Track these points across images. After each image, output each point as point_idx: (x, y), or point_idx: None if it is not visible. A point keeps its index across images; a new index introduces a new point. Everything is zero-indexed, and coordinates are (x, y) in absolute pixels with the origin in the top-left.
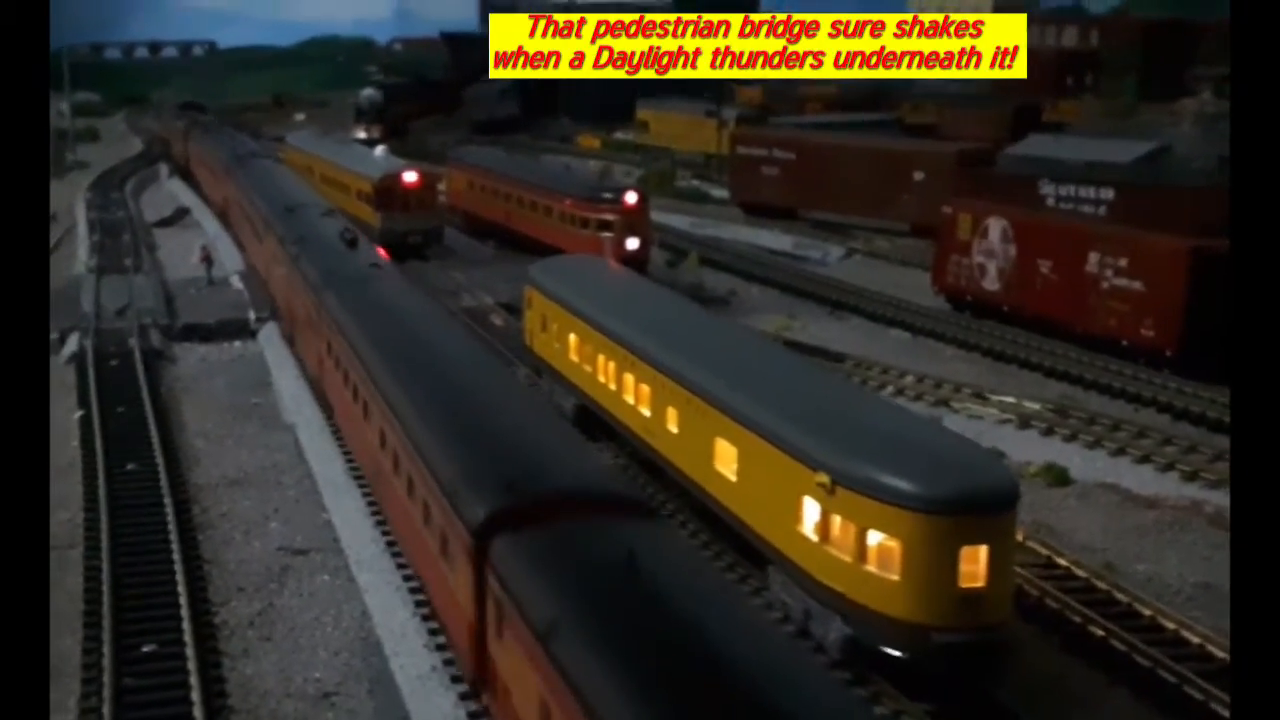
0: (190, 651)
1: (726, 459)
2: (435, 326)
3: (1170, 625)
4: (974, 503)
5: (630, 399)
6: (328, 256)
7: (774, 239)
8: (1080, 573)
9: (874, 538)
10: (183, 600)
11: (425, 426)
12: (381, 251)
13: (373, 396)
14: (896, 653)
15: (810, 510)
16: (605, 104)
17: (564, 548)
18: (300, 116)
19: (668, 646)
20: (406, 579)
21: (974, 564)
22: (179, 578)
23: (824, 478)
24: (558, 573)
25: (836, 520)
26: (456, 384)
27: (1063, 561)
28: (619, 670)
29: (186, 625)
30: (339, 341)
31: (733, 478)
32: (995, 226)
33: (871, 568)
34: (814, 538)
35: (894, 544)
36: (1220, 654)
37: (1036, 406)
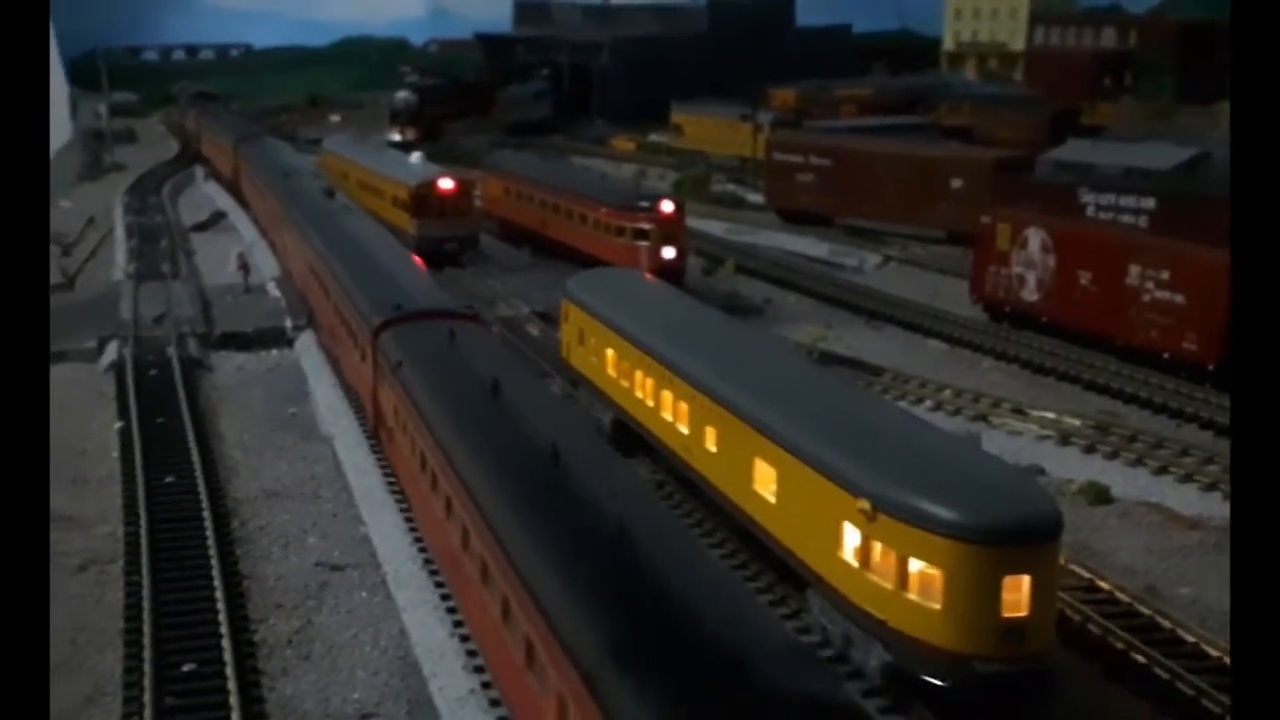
0: (230, 671)
1: (765, 480)
2: (364, 229)
3: (1215, 653)
4: (1017, 532)
5: (668, 416)
6: (310, 201)
7: (810, 246)
8: (1123, 597)
9: (915, 565)
10: (222, 618)
11: (337, 264)
12: (417, 260)
13: (319, 262)
14: (938, 681)
15: (851, 535)
16: (640, 106)
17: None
18: (335, 118)
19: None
20: (444, 597)
21: (1017, 593)
22: (219, 594)
23: (865, 504)
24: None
25: (877, 547)
26: (360, 246)
27: (1105, 585)
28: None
29: (226, 644)
30: (307, 246)
31: (772, 499)
32: (1034, 237)
33: (913, 595)
34: (854, 563)
35: (935, 572)
36: None
37: (1077, 423)
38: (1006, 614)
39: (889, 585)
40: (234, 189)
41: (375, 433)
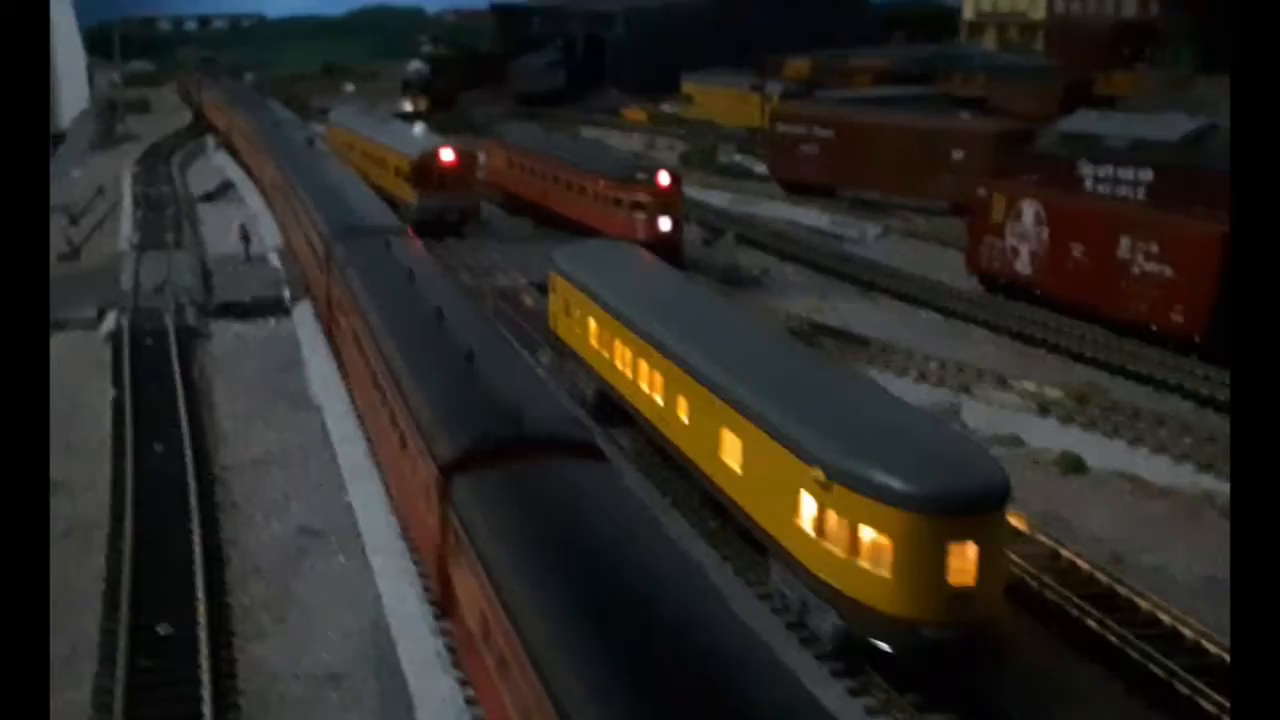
0: (204, 634)
1: (732, 450)
2: (326, 167)
3: (1167, 620)
4: (963, 501)
5: (645, 387)
6: (293, 147)
7: (812, 217)
8: (1083, 565)
9: (866, 534)
10: (199, 582)
11: (300, 186)
12: (412, 233)
13: (290, 187)
14: (887, 646)
15: (808, 504)
16: (653, 76)
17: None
18: (350, 88)
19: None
20: (416, 562)
21: (963, 561)
22: (198, 560)
23: (819, 473)
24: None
25: (831, 515)
26: (325, 178)
27: (1066, 553)
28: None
29: (202, 607)
30: (283, 177)
31: (738, 469)
32: (1029, 209)
33: (864, 563)
34: (811, 532)
35: (885, 540)
36: (1214, 649)
37: (1057, 394)
38: (953, 581)
39: (842, 553)
40: (227, 143)
41: (327, 326)
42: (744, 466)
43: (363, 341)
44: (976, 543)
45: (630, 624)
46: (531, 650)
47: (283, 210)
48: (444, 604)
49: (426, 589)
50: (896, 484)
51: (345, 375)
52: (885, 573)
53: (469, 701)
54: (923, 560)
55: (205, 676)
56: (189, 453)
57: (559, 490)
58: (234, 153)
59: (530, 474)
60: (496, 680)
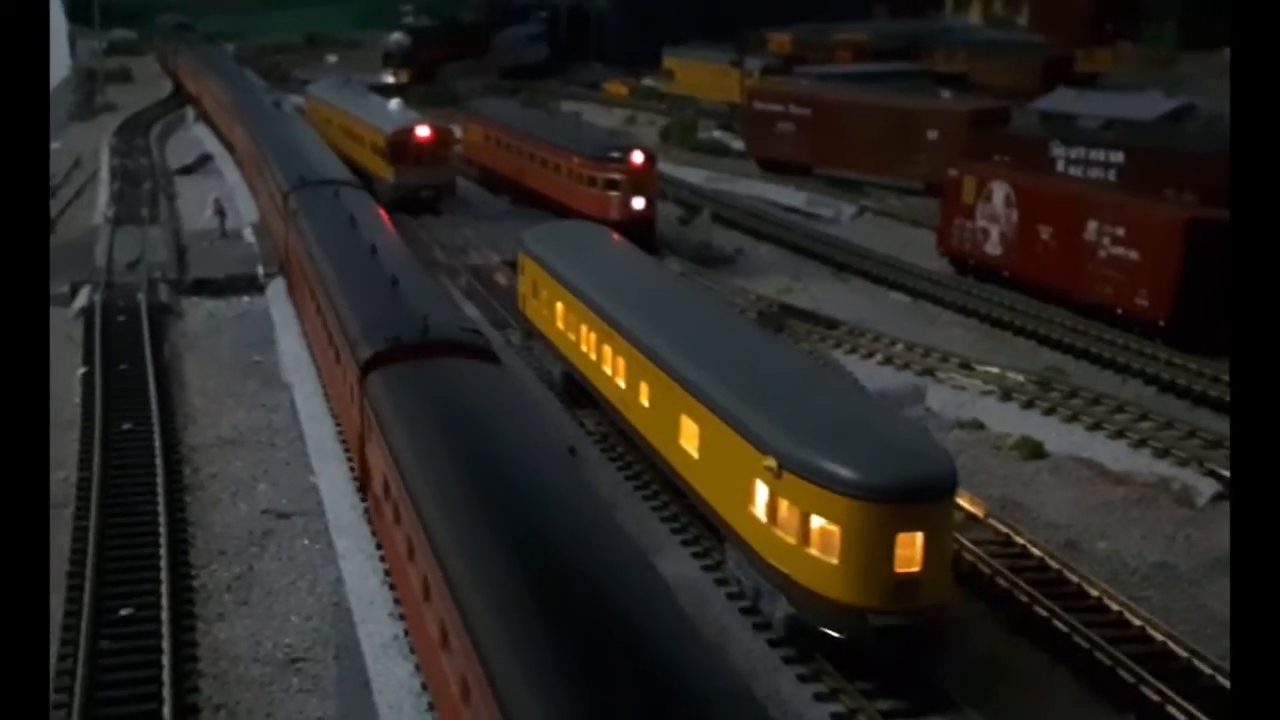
0: (165, 616)
1: (690, 436)
2: (290, 128)
3: (1115, 607)
4: (910, 491)
5: (609, 370)
6: (260, 108)
7: (787, 195)
8: (1035, 551)
9: (816, 522)
10: (164, 564)
11: (269, 154)
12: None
13: (254, 140)
14: (835, 633)
15: (761, 492)
16: (637, 49)
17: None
18: (332, 58)
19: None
20: (378, 546)
21: (910, 549)
22: (163, 541)
23: (772, 462)
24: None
25: (783, 504)
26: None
27: (1019, 540)
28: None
29: (165, 589)
30: (245, 131)
31: (695, 455)
32: (999, 191)
33: (813, 551)
34: (764, 519)
35: (834, 529)
36: (1159, 636)
37: (1020, 378)
38: (900, 569)
39: (793, 540)
40: (200, 109)
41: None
42: (701, 453)
43: (309, 275)
44: (924, 531)
45: (497, 480)
46: (416, 500)
47: (250, 171)
48: (362, 480)
49: (387, 572)
50: (845, 473)
51: (301, 317)
52: (834, 560)
53: (425, 686)
54: (871, 548)
55: (166, 660)
56: (157, 432)
57: (453, 382)
58: (210, 122)
59: (431, 370)
60: (391, 526)
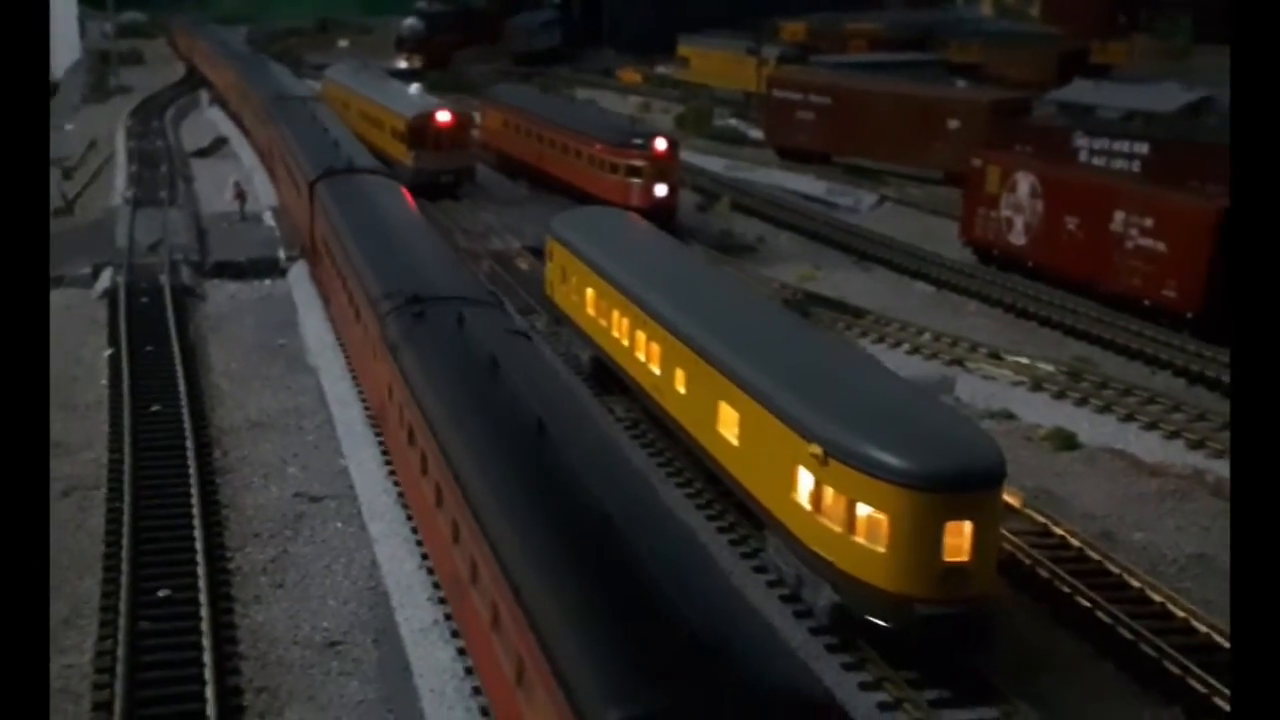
0: (204, 597)
1: (729, 423)
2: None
3: (1158, 599)
4: (961, 479)
5: (642, 356)
6: (272, 78)
7: (807, 184)
8: (1074, 542)
9: (863, 510)
10: (199, 546)
11: (287, 133)
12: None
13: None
14: (881, 622)
15: (804, 479)
16: (650, 36)
17: None
18: (344, 43)
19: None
20: (414, 530)
21: (958, 538)
22: (197, 523)
23: (817, 449)
24: None
25: (828, 491)
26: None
27: (1058, 530)
28: None
29: (202, 571)
30: (247, 93)
31: (734, 442)
32: (1024, 181)
33: (860, 539)
34: (807, 506)
35: (881, 517)
36: (1203, 628)
37: (1050, 368)
38: (948, 558)
39: (838, 528)
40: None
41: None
42: (741, 439)
43: (334, 251)
44: (973, 520)
45: (491, 390)
46: (427, 414)
47: (271, 156)
48: (379, 419)
49: (424, 556)
50: (895, 461)
51: (324, 296)
52: (881, 549)
53: (468, 670)
54: (919, 537)
55: (207, 641)
56: (186, 414)
57: (458, 326)
58: (225, 105)
59: (440, 318)
60: (406, 448)
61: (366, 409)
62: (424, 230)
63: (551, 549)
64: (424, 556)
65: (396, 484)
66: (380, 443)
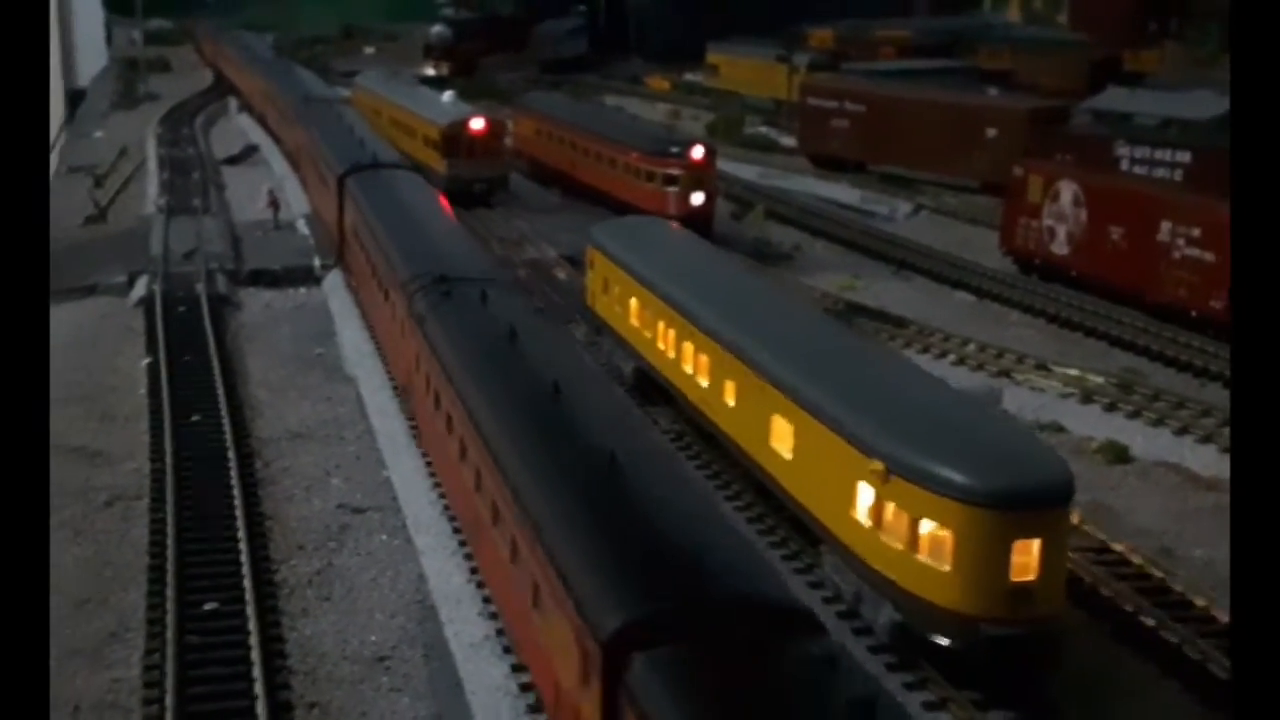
0: (251, 610)
1: (783, 437)
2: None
3: (1224, 618)
4: (1028, 497)
5: (689, 368)
6: (301, 83)
7: (842, 192)
8: (1135, 559)
9: (926, 527)
10: (244, 558)
11: (317, 134)
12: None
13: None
14: (945, 641)
15: (864, 495)
16: (676, 44)
17: None
18: (370, 50)
19: None
20: (462, 543)
21: (1026, 557)
22: (241, 534)
23: (879, 465)
24: None
25: (890, 508)
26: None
27: (1118, 547)
28: None
29: (248, 584)
30: (270, 89)
31: (788, 456)
32: (1067, 190)
33: (923, 557)
34: (867, 523)
35: (946, 534)
36: None
37: (1100, 380)
38: (1015, 577)
39: (900, 546)
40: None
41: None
42: (795, 454)
43: (365, 243)
44: (1041, 539)
45: (511, 357)
46: (453, 379)
47: (304, 163)
48: (402, 392)
49: (473, 570)
50: (960, 478)
51: (356, 289)
52: (946, 567)
53: (523, 688)
54: (986, 556)
55: (256, 655)
56: (227, 424)
57: (481, 303)
58: (254, 113)
59: (464, 296)
60: (433, 411)
61: (410, 422)
62: (448, 219)
63: (563, 489)
64: (473, 570)
65: (442, 496)
66: (423, 454)
